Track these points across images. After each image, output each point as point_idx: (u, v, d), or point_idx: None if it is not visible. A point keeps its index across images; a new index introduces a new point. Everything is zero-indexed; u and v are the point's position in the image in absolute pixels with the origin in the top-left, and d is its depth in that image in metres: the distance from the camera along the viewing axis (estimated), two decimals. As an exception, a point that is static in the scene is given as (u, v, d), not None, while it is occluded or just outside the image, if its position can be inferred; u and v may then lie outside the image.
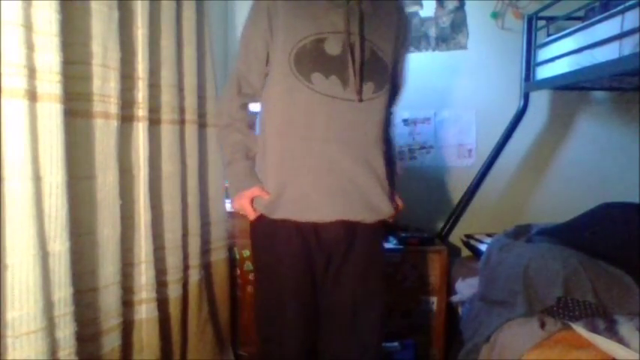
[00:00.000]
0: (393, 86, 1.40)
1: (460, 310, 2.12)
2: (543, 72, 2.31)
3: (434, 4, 2.57)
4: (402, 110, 2.60)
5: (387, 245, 2.23)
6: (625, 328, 1.46)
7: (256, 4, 1.33)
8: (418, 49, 2.59)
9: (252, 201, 1.35)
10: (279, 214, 1.32)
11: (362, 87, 1.27)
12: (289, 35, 1.25)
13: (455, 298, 2.18)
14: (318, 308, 1.39)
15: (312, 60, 1.25)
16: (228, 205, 2.12)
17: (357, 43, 1.26)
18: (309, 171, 1.29)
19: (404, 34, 1.40)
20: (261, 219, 1.35)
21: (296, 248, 1.32)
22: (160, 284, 1.57)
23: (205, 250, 1.94)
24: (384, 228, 1.50)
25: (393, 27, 1.36)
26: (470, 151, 2.66)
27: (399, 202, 1.48)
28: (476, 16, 2.58)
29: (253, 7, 1.34)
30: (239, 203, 1.37)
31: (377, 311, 1.40)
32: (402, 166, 1.57)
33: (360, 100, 1.28)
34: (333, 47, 1.25)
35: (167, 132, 1.60)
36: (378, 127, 1.34)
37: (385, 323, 1.47)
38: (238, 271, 2.17)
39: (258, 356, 1.49)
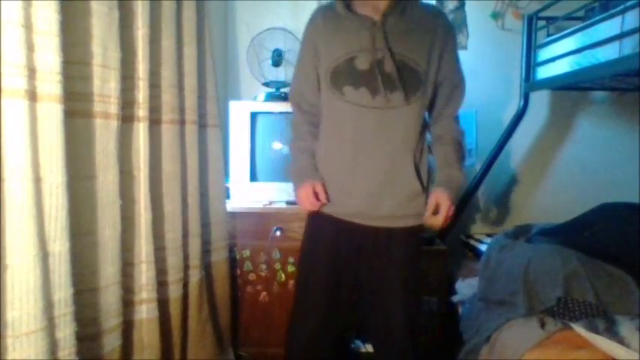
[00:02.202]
0: (439, 88, 1.54)
1: (460, 310, 2.12)
2: (543, 72, 2.31)
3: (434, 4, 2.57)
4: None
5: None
6: (625, 328, 1.46)
7: (304, 36, 1.58)
8: (418, 49, 2.59)
9: (314, 194, 1.51)
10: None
11: (388, 97, 1.43)
12: (327, 57, 1.49)
13: (455, 298, 2.18)
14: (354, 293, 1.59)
15: (344, 76, 1.45)
16: (228, 205, 2.12)
17: (387, 57, 1.42)
18: (338, 171, 1.51)
19: (443, 39, 1.49)
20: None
21: (328, 237, 1.55)
22: (161, 284, 1.57)
23: (206, 250, 1.94)
24: (420, 234, 1.58)
25: (427, 35, 1.47)
26: (470, 151, 2.66)
27: (444, 206, 1.49)
28: (476, 16, 2.57)
29: (303, 38, 1.59)
30: (304, 191, 1.52)
31: (401, 314, 1.52)
32: (459, 168, 1.60)
33: (387, 108, 1.45)
34: (362, 63, 1.44)
35: (167, 132, 1.60)
36: (410, 133, 1.49)
37: (413, 328, 1.55)
38: (238, 271, 2.17)
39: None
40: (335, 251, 1.54)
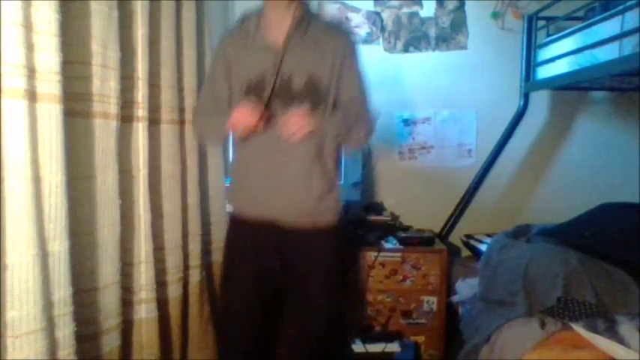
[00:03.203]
0: (339, 99, 1.61)
1: (460, 310, 2.12)
2: (543, 72, 2.31)
3: (434, 4, 2.57)
4: (402, 110, 2.61)
5: (387, 245, 2.23)
6: (625, 328, 1.46)
7: (217, 51, 1.70)
8: (418, 49, 2.59)
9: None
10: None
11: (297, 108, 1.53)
12: (240, 75, 1.61)
13: (455, 298, 2.18)
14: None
15: (257, 93, 1.56)
16: (228, 205, 2.12)
17: (294, 75, 1.55)
18: (252, 177, 1.61)
19: (344, 56, 1.58)
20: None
21: (247, 243, 1.66)
22: (160, 284, 1.57)
23: (206, 250, 1.94)
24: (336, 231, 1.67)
25: (329, 53, 1.56)
26: (470, 151, 2.66)
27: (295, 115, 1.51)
28: (476, 16, 2.58)
29: (216, 53, 1.71)
30: (240, 110, 1.51)
31: (318, 317, 1.65)
32: (335, 121, 1.60)
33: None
34: (271, 82, 1.55)
35: (167, 132, 1.60)
36: (315, 141, 1.55)
37: (329, 328, 1.68)
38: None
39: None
40: (255, 258, 1.64)
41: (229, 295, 1.72)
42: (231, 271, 1.71)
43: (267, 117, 1.53)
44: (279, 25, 1.56)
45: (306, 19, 1.57)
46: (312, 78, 1.55)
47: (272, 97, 1.55)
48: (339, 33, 1.63)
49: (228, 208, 1.78)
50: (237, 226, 1.68)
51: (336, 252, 1.70)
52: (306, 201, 1.58)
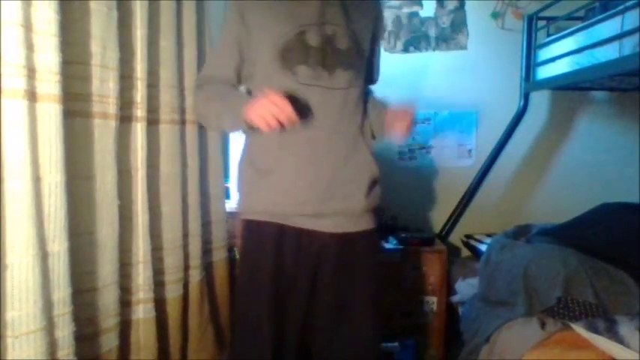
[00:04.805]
0: (367, 78, 1.42)
1: (460, 310, 2.12)
2: (543, 72, 2.31)
3: (434, 4, 2.57)
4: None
5: (387, 245, 2.23)
6: (625, 328, 1.46)
7: (230, 12, 1.36)
8: (418, 49, 2.59)
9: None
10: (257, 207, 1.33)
11: (343, 75, 1.30)
12: (270, 34, 1.28)
13: (455, 298, 2.18)
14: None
15: (296, 53, 1.27)
16: (228, 205, 2.12)
17: (339, 33, 1.29)
18: (292, 163, 1.29)
19: (379, 28, 1.44)
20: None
21: (269, 251, 1.33)
22: (159, 284, 1.57)
23: (206, 250, 1.93)
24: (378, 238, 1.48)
25: (370, 19, 1.39)
26: (470, 151, 2.66)
27: (403, 111, 1.33)
28: (476, 16, 2.58)
29: (228, 15, 1.38)
30: (267, 98, 1.17)
31: (366, 312, 1.35)
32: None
33: (342, 88, 1.30)
34: (313, 38, 1.27)
35: (166, 132, 1.60)
36: (361, 113, 1.37)
37: (380, 325, 1.43)
38: (238, 272, 2.16)
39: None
40: (278, 269, 1.31)
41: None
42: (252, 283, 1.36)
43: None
44: None
45: None
46: (354, 38, 1.32)
47: (320, 53, 1.26)
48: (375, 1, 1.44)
49: (244, 208, 1.41)
50: (263, 232, 1.33)
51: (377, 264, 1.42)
52: (356, 196, 1.31)
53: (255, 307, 1.33)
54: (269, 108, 1.15)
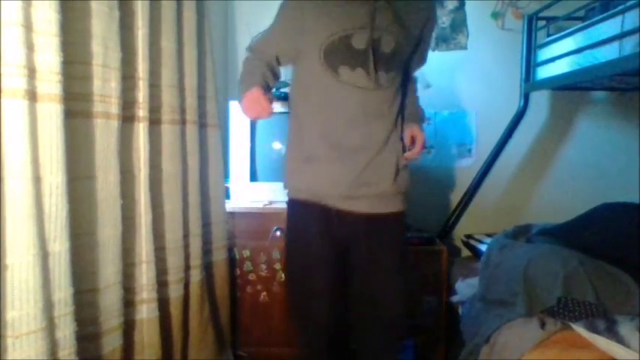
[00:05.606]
0: (411, 63, 1.54)
1: (460, 310, 2.12)
2: (543, 72, 2.31)
3: (434, 4, 2.57)
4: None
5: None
6: (625, 328, 1.46)
7: (286, 4, 1.47)
8: (418, 49, 2.59)
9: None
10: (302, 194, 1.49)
11: (384, 78, 1.40)
12: (319, 32, 1.38)
13: (455, 298, 2.18)
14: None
15: (340, 54, 1.38)
16: (228, 205, 2.12)
17: (385, 37, 1.38)
18: (330, 151, 1.43)
19: (430, 25, 1.52)
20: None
21: (316, 224, 1.49)
22: (161, 284, 1.57)
23: (206, 250, 1.94)
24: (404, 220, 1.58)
25: (421, 20, 1.47)
26: (470, 151, 2.66)
27: (419, 137, 1.48)
28: (476, 16, 2.58)
29: (285, 4, 1.48)
30: (252, 94, 1.41)
31: (395, 291, 1.51)
32: (420, 106, 1.64)
33: (380, 89, 1.41)
34: (359, 41, 1.37)
35: (168, 132, 1.60)
36: (398, 112, 1.48)
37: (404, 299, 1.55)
38: (238, 271, 2.17)
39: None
40: (325, 238, 1.48)
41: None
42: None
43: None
44: None
45: None
46: (401, 43, 1.41)
47: (363, 56, 1.37)
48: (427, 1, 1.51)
49: (289, 188, 1.55)
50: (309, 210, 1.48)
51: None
52: (386, 182, 1.46)
53: (304, 268, 1.52)
54: (253, 104, 1.39)
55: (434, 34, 2.56)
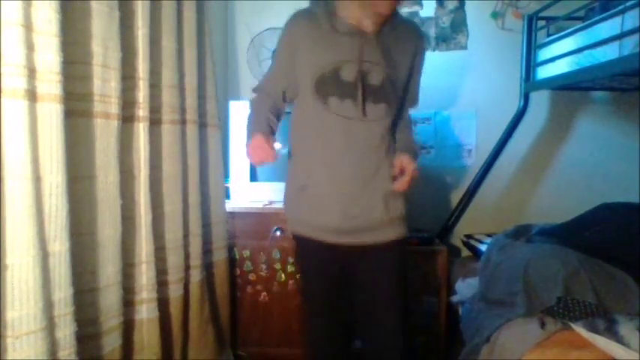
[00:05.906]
0: (405, 98, 1.55)
1: (460, 310, 2.12)
2: (543, 72, 2.31)
3: (434, 4, 2.57)
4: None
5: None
6: (625, 328, 1.46)
7: (282, 38, 1.50)
8: (418, 49, 2.59)
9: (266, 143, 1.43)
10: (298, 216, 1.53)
11: (372, 109, 1.43)
12: (310, 65, 1.43)
13: (455, 298, 2.18)
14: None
15: (329, 86, 1.42)
16: (228, 205, 2.12)
17: (374, 70, 1.41)
18: (322, 178, 1.46)
19: (420, 57, 1.54)
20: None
21: (317, 255, 1.54)
22: (161, 284, 1.57)
23: (206, 250, 1.94)
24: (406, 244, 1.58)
25: (409, 52, 1.49)
26: (470, 151, 2.66)
27: (408, 167, 1.44)
28: (476, 16, 2.58)
29: (281, 40, 1.51)
30: (255, 141, 1.42)
31: (393, 313, 1.52)
32: (416, 143, 1.64)
33: (367, 119, 1.43)
34: (347, 74, 1.41)
35: (168, 132, 1.61)
36: (388, 142, 1.50)
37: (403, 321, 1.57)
38: (238, 271, 2.17)
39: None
40: (324, 272, 1.56)
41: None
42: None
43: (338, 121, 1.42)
44: (367, 14, 1.39)
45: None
46: (390, 75, 1.44)
47: (351, 87, 1.40)
48: (417, 32, 1.55)
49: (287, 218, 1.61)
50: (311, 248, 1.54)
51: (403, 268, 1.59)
52: (374, 214, 1.46)
53: (310, 298, 1.63)
54: (257, 151, 1.41)
55: (433, 34, 2.58)
